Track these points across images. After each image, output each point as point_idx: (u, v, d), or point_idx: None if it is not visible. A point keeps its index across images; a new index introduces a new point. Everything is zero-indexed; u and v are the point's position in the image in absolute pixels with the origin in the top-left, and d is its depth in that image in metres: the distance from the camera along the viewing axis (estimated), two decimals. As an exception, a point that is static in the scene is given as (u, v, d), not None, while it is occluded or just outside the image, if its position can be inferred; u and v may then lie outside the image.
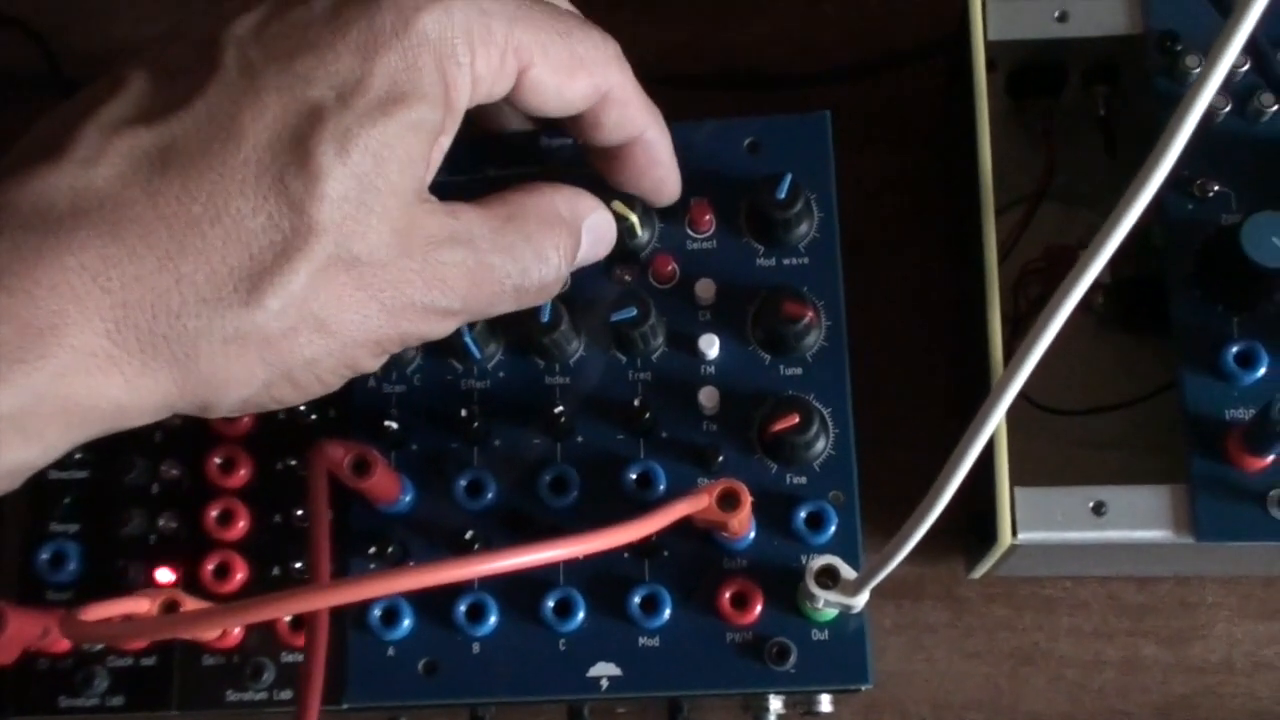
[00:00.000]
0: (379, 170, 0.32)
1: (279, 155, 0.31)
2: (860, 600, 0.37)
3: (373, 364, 0.35)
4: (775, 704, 0.43)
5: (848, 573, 0.37)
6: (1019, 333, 0.47)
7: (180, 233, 0.30)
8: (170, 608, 0.38)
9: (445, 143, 0.35)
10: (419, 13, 0.33)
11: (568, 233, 0.38)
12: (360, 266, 0.32)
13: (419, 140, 0.33)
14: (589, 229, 0.39)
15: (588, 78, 0.36)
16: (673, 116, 0.45)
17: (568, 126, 0.39)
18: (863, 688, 0.40)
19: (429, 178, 0.35)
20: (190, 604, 0.39)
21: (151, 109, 0.32)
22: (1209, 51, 0.31)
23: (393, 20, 0.32)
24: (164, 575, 0.42)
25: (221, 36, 0.32)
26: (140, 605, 0.38)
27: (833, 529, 0.40)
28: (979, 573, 0.46)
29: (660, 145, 0.40)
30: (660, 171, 0.41)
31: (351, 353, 0.33)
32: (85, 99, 0.32)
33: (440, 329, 0.36)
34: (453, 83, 0.34)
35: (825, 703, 0.43)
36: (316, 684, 0.31)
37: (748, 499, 0.37)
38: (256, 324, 0.31)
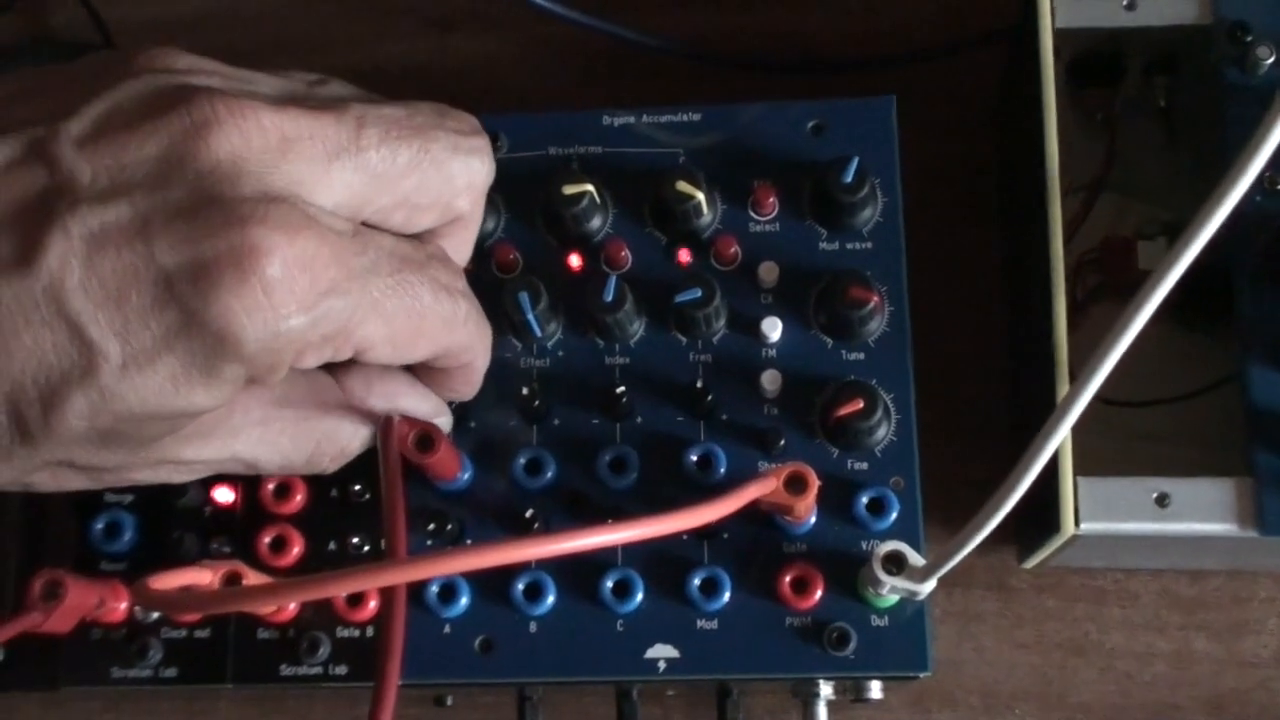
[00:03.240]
0: (128, 429, 0.31)
1: (35, 385, 0.30)
2: (927, 587, 0.37)
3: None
4: (825, 689, 0.43)
5: (915, 559, 0.37)
6: (1078, 321, 0.47)
7: None
8: (232, 579, 0.38)
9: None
10: (246, 329, 0.30)
11: (361, 444, 0.38)
12: (82, 469, 0.33)
13: (187, 418, 0.32)
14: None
15: (426, 348, 0.35)
16: (732, 99, 0.45)
17: None
18: (921, 675, 0.40)
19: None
20: (251, 576, 0.39)
21: None
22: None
23: (217, 327, 0.30)
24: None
25: (57, 219, 0.30)
26: (203, 576, 0.38)
27: (894, 515, 0.40)
28: (1032, 562, 0.46)
29: (478, 367, 0.39)
30: (467, 389, 0.40)
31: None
32: None
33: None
34: (261, 379, 0.32)
35: (875, 689, 0.43)
36: (395, 659, 0.31)
37: (815, 483, 0.37)
38: None
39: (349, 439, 0.37)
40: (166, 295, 0.30)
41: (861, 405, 0.40)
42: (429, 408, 0.39)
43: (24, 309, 0.29)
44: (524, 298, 0.41)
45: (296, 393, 0.36)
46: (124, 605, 0.41)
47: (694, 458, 0.41)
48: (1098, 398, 0.44)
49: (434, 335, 0.35)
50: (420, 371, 0.39)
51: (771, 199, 0.43)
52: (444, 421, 0.40)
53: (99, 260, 0.29)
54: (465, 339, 0.37)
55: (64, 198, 0.30)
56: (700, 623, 0.40)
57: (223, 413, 0.34)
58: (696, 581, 0.40)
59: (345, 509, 0.42)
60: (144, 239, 0.30)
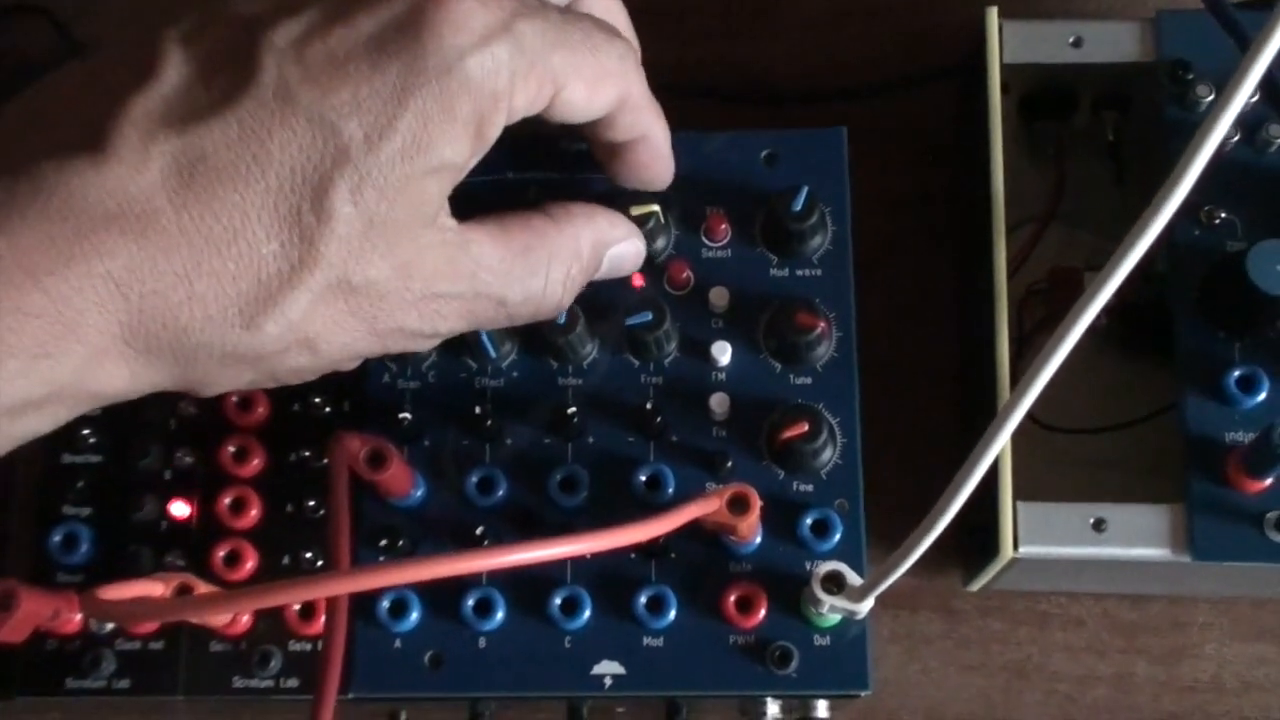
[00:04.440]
0: (391, 210, 0.33)
1: (299, 188, 0.32)
2: (865, 607, 0.38)
3: (351, 368, 0.37)
4: (772, 708, 0.44)
5: (853, 579, 0.38)
6: (1023, 352, 0.48)
7: (199, 250, 0.31)
8: (183, 591, 0.38)
9: (471, 165, 0.35)
10: (463, 58, 0.32)
11: (581, 269, 0.39)
12: (358, 295, 0.34)
13: (438, 181, 0.34)
14: (611, 258, 0.40)
15: (613, 88, 0.37)
16: (689, 128, 0.46)
17: (578, 127, 0.40)
18: (862, 694, 0.41)
19: (444, 206, 0.35)
20: (203, 589, 0.39)
21: (185, 110, 0.32)
22: (1225, 86, 0.31)
23: (435, 63, 0.32)
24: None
25: (261, 41, 0.32)
26: (154, 588, 0.38)
27: (837, 536, 0.41)
28: (977, 585, 0.46)
29: (662, 141, 0.41)
30: (660, 165, 0.42)
31: (334, 364, 0.36)
32: (113, 78, 0.32)
33: (424, 346, 0.38)
34: (487, 120, 0.34)
35: (822, 708, 0.44)
36: (334, 670, 0.32)
37: (757, 504, 0.38)
38: (252, 346, 0.33)
39: (569, 261, 0.39)
40: (380, 55, 0.32)
41: (806, 428, 0.41)
42: (624, 230, 0.41)
43: (262, 122, 0.31)
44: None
45: (514, 227, 0.37)
46: (78, 617, 0.41)
47: (643, 478, 0.42)
48: (1038, 422, 0.46)
49: (615, 73, 0.37)
50: (610, 158, 0.41)
51: (724, 226, 0.44)
52: (637, 245, 0.42)
53: (310, 52, 0.32)
54: (642, 86, 0.38)
55: (258, 25, 0.32)
56: (646, 640, 0.41)
57: (458, 247, 0.35)
58: (643, 599, 0.41)
59: (299, 524, 0.43)
60: (342, 19, 0.32)
